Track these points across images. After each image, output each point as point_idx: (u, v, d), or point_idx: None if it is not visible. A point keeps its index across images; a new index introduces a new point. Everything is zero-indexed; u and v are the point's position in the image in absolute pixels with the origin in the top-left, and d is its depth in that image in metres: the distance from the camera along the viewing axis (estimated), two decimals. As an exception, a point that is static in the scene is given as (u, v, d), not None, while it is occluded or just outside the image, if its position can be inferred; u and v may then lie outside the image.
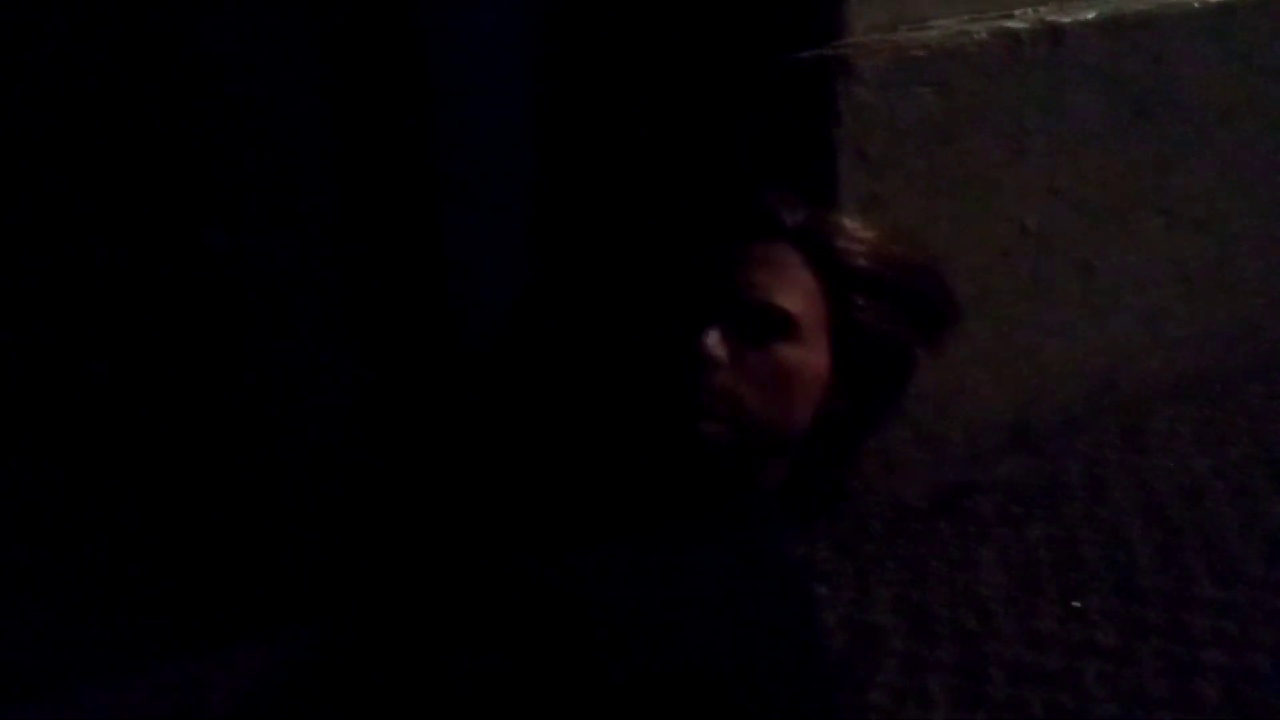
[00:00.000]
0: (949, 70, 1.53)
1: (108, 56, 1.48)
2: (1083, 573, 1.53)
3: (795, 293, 1.03)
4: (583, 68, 1.72)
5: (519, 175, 1.73)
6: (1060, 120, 1.65)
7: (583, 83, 1.73)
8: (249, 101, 1.54)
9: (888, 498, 1.64)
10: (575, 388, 1.14)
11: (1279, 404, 1.91)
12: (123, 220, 1.53)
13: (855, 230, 1.12)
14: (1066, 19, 1.61)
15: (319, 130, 1.60)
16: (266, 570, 1.58)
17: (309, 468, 1.65)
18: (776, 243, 1.06)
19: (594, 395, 1.08)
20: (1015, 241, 1.68)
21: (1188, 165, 1.80)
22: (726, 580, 0.94)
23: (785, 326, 1.01)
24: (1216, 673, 1.35)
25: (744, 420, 0.98)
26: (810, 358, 1.03)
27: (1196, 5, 1.73)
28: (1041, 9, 1.63)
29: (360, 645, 0.95)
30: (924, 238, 1.53)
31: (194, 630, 1.46)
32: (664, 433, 0.97)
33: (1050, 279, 1.73)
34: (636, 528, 0.96)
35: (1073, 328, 1.77)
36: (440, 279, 1.69)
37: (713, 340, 0.97)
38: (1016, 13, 1.61)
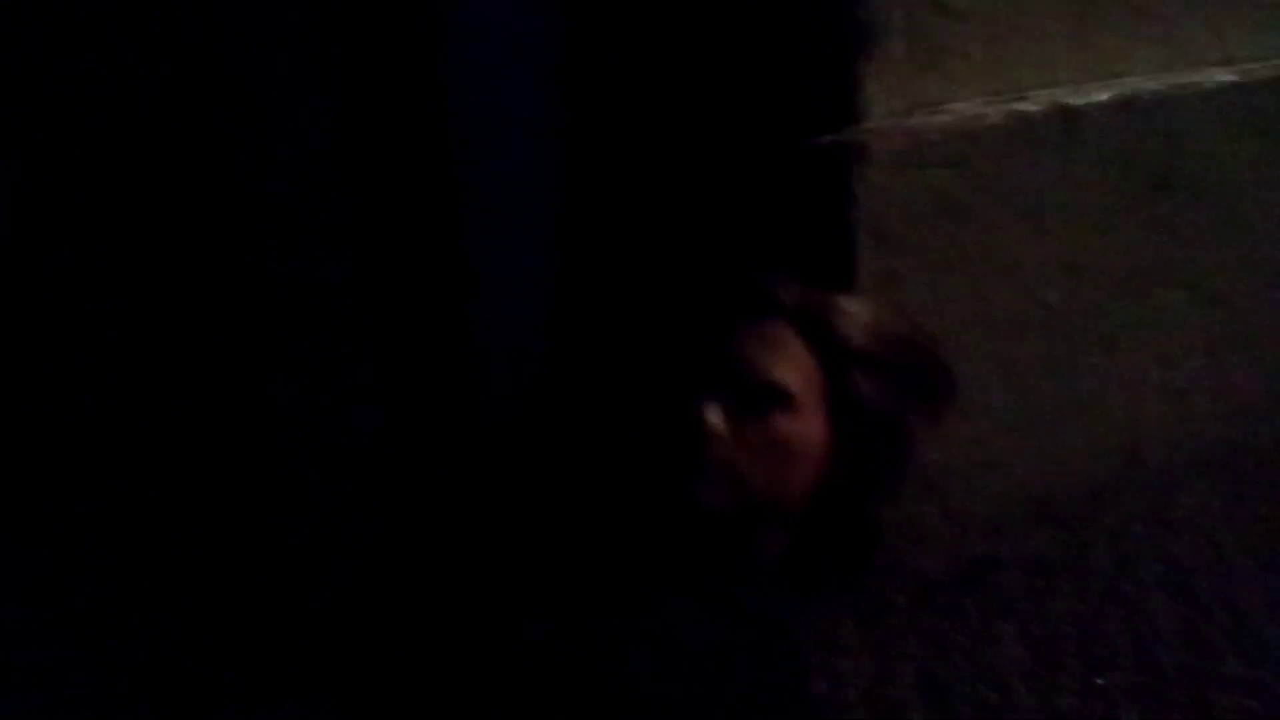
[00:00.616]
0: (964, 151, 1.57)
1: (114, 59, 1.44)
2: (1107, 649, 1.52)
3: (792, 368, 1.07)
4: (598, 137, 1.75)
5: (541, 183, 1.73)
6: (1077, 198, 1.68)
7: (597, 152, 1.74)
8: (260, 105, 1.51)
9: (911, 571, 1.64)
10: (577, 452, 1.17)
11: (1307, 479, 1.90)
12: (131, 228, 1.49)
13: (852, 308, 1.17)
14: (1079, 101, 1.65)
15: (334, 135, 1.56)
16: (276, 603, 1.54)
17: (321, 488, 1.60)
18: (774, 320, 1.11)
19: (594, 462, 1.11)
20: (1036, 317, 1.69)
21: (1207, 240, 1.82)
22: (724, 651, 0.97)
23: (782, 400, 1.05)
24: (1241, 752, 1.34)
25: (742, 489, 1.02)
26: (807, 430, 1.07)
27: (1207, 85, 1.76)
28: (1055, 91, 1.66)
29: (368, 700, 0.98)
30: (943, 313, 1.56)
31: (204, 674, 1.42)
32: (663, 501, 1.01)
33: (1073, 353, 1.74)
34: (635, 596, 0.99)
35: (1097, 402, 1.78)
36: (460, 291, 1.66)
37: (711, 412, 1.01)
38: (1030, 95, 1.65)
